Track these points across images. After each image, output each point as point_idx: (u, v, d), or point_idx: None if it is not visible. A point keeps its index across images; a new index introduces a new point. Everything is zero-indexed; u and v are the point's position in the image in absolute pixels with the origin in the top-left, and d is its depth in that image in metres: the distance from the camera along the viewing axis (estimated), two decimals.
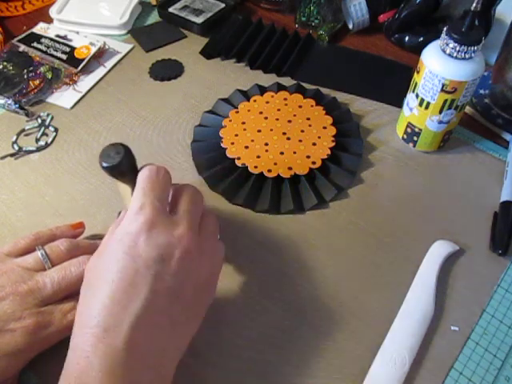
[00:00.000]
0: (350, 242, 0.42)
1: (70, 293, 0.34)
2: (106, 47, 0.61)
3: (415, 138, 0.49)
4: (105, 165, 0.31)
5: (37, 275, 0.33)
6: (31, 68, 0.57)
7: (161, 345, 0.28)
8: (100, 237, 0.42)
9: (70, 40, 0.61)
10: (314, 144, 0.48)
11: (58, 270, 0.34)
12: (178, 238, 0.30)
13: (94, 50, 0.59)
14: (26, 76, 0.56)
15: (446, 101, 0.44)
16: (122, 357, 0.26)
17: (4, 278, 0.32)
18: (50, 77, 0.56)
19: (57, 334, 0.33)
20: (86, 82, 0.57)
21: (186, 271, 0.30)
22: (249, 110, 0.51)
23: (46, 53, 0.59)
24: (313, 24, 0.65)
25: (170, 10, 0.66)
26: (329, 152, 0.47)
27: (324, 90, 0.56)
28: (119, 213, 0.34)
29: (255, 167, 0.46)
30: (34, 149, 0.49)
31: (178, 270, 0.29)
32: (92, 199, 0.45)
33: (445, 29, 0.42)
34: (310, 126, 0.50)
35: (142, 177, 0.32)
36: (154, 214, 0.30)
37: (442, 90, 0.43)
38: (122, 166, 0.31)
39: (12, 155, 0.49)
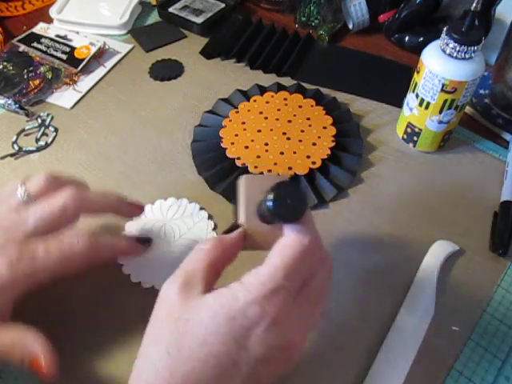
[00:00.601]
0: (350, 242, 0.42)
1: (55, 228, 0.33)
2: (106, 47, 0.61)
3: (415, 138, 0.49)
4: (270, 206, 0.25)
5: (20, 211, 0.33)
6: (31, 68, 0.57)
7: None
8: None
9: (70, 40, 0.61)
10: (314, 144, 0.48)
11: (39, 203, 0.33)
12: (292, 343, 0.26)
13: (93, 50, 0.59)
14: (26, 76, 0.56)
15: (446, 101, 0.44)
16: None
17: None
18: (49, 77, 0.56)
19: (41, 271, 0.32)
20: (86, 82, 0.57)
21: (279, 371, 0.27)
22: (249, 110, 0.51)
23: (46, 53, 0.59)
24: (313, 24, 0.65)
25: (170, 10, 0.66)
26: (329, 152, 0.47)
27: (324, 90, 0.56)
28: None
29: (255, 167, 0.46)
30: (33, 149, 0.49)
31: (274, 371, 0.26)
32: None
33: (445, 29, 0.42)
34: (310, 126, 0.50)
35: (292, 251, 0.26)
36: (284, 308, 0.25)
37: (442, 90, 0.43)
38: (288, 219, 0.26)
39: (12, 155, 0.49)
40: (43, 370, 0.29)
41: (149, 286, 0.38)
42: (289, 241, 0.27)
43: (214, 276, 0.28)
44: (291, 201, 0.25)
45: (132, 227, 0.42)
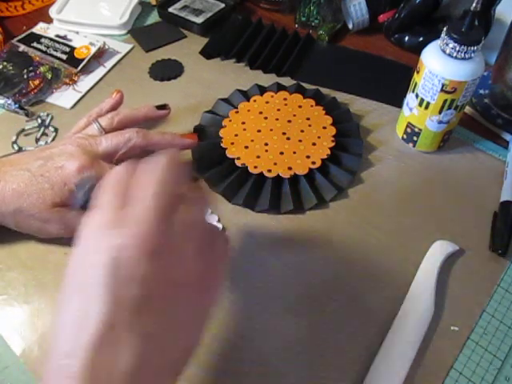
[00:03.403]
0: (350, 242, 0.42)
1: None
2: (106, 47, 0.61)
3: (415, 138, 0.49)
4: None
5: (96, 137, 0.41)
6: (31, 68, 0.56)
7: (130, 367, 0.23)
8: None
9: (70, 40, 0.61)
10: (314, 144, 0.48)
11: (112, 134, 0.41)
12: (132, 236, 0.24)
13: (93, 50, 0.59)
14: (25, 76, 0.55)
15: (445, 101, 0.44)
16: None
17: (70, 140, 0.41)
18: (49, 77, 0.56)
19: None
20: (85, 82, 0.57)
21: (157, 273, 0.24)
22: (249, 110, 0.51)
23: (45, 53, 0.59)
24: (313, 24, 0.65)
25: (170, 10, 0.66)
26: (329, 152, 0.47)
27: (324, 90, 0.56)
28: None
29: (255, 167, 0.46)
30: (33, 149, 0.49)
31: (143, 275, 0.24)
32: None
33: (445, 29, 0.42)
34: (309, 125, 0.50)
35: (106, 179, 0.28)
36: (105, 212, 0.25)
37: (442, 90, 0.43)
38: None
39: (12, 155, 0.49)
40: None
41: None
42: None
43: None
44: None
45: None
